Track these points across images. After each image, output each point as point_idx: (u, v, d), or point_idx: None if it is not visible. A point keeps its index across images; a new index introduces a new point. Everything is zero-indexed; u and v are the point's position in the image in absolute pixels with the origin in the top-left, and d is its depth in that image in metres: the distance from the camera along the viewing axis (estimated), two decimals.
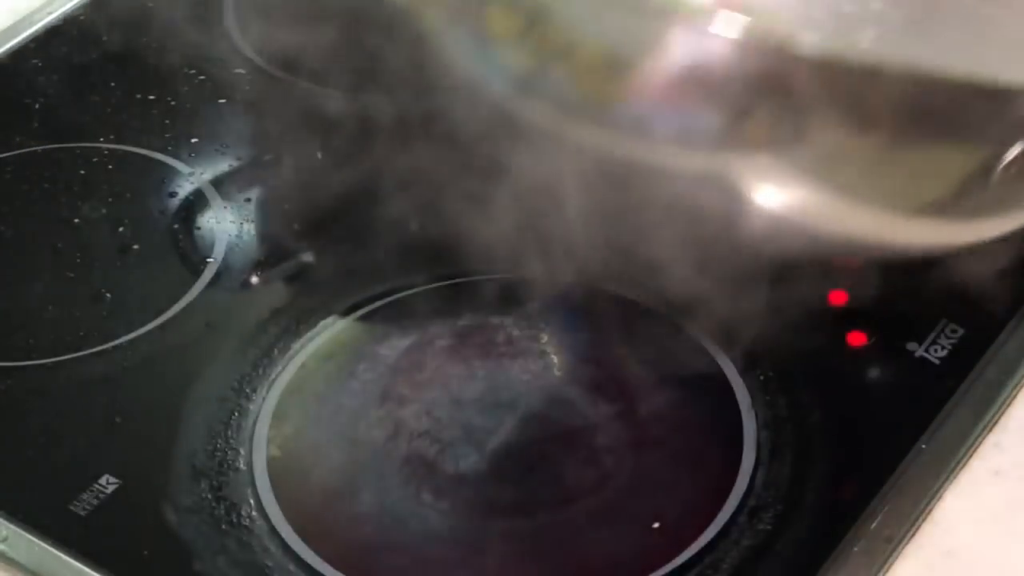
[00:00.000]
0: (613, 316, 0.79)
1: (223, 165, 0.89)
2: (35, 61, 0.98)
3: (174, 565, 0.67)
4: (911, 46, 0.66)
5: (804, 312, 0.77)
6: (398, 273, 0.81)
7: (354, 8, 0.90)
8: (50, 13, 1.01)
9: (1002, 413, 0.72)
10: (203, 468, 0.71)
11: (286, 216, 0.86)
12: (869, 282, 0.79)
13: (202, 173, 0.88)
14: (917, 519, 0.67)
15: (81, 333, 0.78)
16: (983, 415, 0.72)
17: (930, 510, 0.68)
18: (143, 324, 0.79)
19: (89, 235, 0.85)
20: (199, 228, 0.85)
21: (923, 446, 0.70)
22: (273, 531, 0.68)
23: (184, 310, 0.80)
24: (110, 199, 0.87)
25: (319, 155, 0.90)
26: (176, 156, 0.90)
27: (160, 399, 0.75)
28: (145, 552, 0.68)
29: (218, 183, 0.88)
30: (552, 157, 0.70)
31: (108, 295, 0.81)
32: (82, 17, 1.01)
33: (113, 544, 0.68)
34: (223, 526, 0.69)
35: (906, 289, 0.78)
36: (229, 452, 0.72)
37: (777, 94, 0.66)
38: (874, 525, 0.67)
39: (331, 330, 0.78)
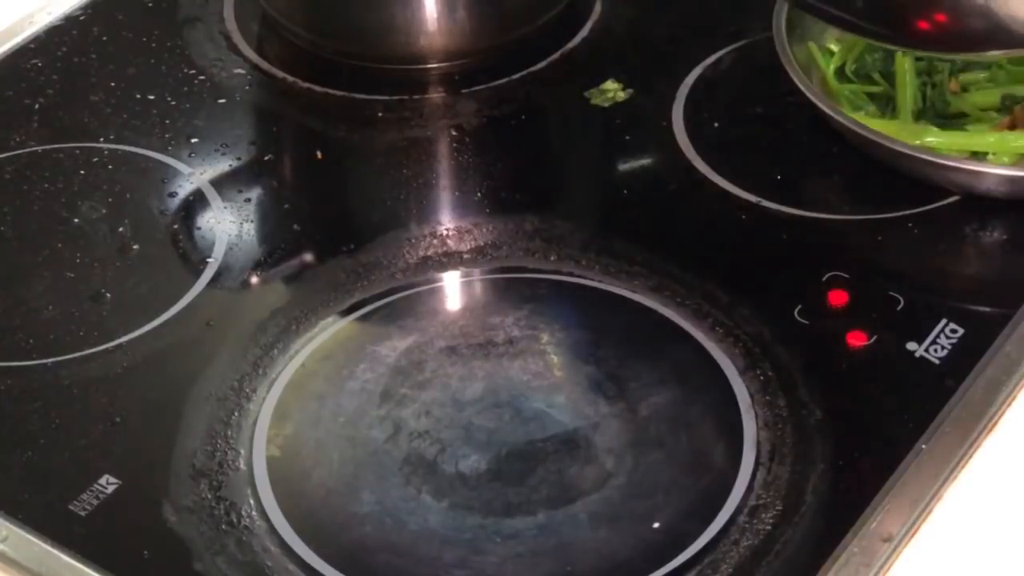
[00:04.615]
0: (613, 316, 0.79)
1: (223, 165, 0.89)
2: (35, 61, 0.98)
3: (174, 565, 0.67)
4: None
5: (804, 312, 0.77)
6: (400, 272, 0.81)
7: None
8: (50, 13, 1.01)
9: (1002, 413, 0.72)
10: (203, 468, 0.71)
11: (286, 216, 0.86)
12: (869, 282, 0.79)
13: (202, 173, 0.88)
14: (917, 519, 0.67)
15: (81, 333, 0.78)
16: (983, 415, 0.72)
17: (930, 510, 0.68)
18: (143, 324, 0.79)
19: (89, 235, 0.85)
20: (199, 228, 0.85)
21: (923, 446, 0.70)
22: (273, 531, 0.68)
23: (184, 310, 0.80)
24: (110, 199, 0.87)
25: (319, 155, 0.90)
26: (176, 156, 0.90)
27: (160, 399, 0.75)
28: (145, 552, 0.68)
29: (218, 183, 0.88)
30: None
31: (108, 295, 0.81)
32: (82, 17, 1.01)
33: (113, 544, 0.68)
34: (223, 526, 0.69)
35: (906, 289, 0.78)
36: (229, 452, 0.72)
37: None
38: (874, 525, 0.67)
39: (331, 330, 0.78)
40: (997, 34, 0.79)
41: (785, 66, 0.87)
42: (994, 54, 0.84)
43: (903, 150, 0.82)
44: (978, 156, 0.84)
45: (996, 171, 0.82)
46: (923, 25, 0.80)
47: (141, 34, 0.99)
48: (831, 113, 0.84)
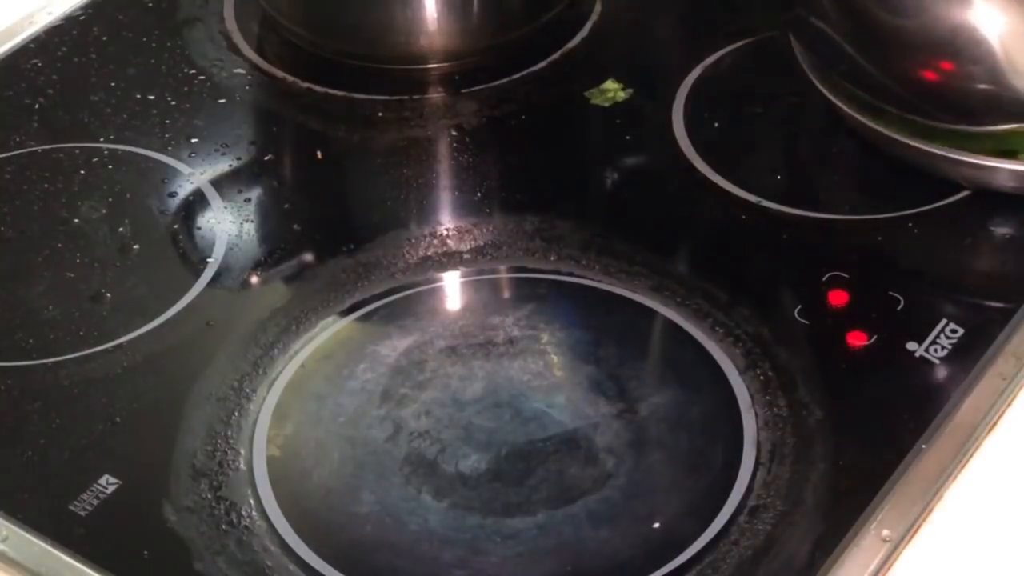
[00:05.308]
0: (613, 316, 0.79)
1: (223, 165, 0.89)
2: (35, 61, 0.98)
3: (174, 565, 0.67)
4: None
5: (804, 312, 0.77)
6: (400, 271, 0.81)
7: None
8: (50, 13, 1.01)
9: (1002, 413, 0.72)
10: (203, 468, 0.71)
11: (286, 216, 0.86)
12: (869, 282, 0.79)
13: (202, 173, 0.88)
14: (917, 519, 0.67)
15: (81, 333, 0.78)
16: (983, 415, 0.72)
17: (930, 510, 0.68)
18: (143, 324, 0.79)
19: (89, 235, 0.85)
20: (199, 228, 0.85)
21: (923, 446, 0.70)
22: (273, 531, 0.68)
23: (184, 310, 0.80)
24: (110, 199, 0.87)
25: (319, 155, 0.91)
26: (176, 156, 0.90)
27: (160, 399, 0.75)
28: (145, 552, 0.68)
29: (218, 183, 0.88)
30: None
31: (108, 295, 0.81)
32: (82, 17, 1.01)
33: (113, 544, 0.68)
34: (223, 526, 0.69)
35: (906, 289, 0.78)
36: (229, 452, 0.72)
37: None
38: (874, 525, 0.67)
39: (331, 330, 0.78)
40: (1005, 107, 0.79)
41: (803, 64, 0.87)
42: (1006, 127, 0.83)
43: (920, 145, 0.82)
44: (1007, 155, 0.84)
45: (1004, 165, 0.81)
46: (929, 79, 0.80)
47: (141, 34, 0.99)
48: (846, 108, 0.84)
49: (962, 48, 0.77)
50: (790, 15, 0.88)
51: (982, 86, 0.78)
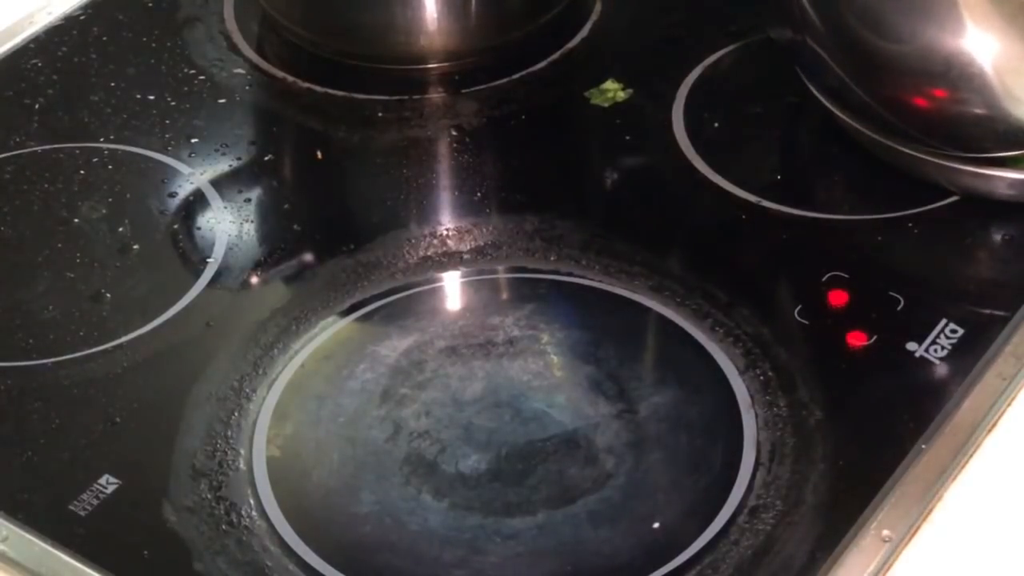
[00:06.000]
0: (613, 316, 0.79)
1: (223, 165, 0.89)
2: (35, 61, 0.98)
3: (174, 565, 0.67)
4: None
5: (804, 312, 0.77)
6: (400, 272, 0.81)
7: None
8: (50, 13, 1.01)
9: (1002, 413, 0.72)
10: (203, 468, 0.71)
11: (286, 216, 0.86)
12: (869, 282, 0.79)
13: (202, 173, 0.88)
14: (917, 519, 0.67)
15: (81, 333, 0.78)
16: (983, 415, 0.72)
17: (930, 510, 0.68)
18: (143, 324, 0.79)
19: (89, 235, 0.85)
20: (199, 228, 0.85)
21: (923, 446, 0.70)
22: (273, 531, 0.68)
23: (184, 310, 0.80)
24: (110, 199, 0.87)
25: (319, 155, 0.91)
26: (176, 156, 0.90)
27: (160, 399, 0.75)
28: (145, 552, 0.68)
29: (218, 183, 0.88)
30: None
31: (108, 295, 0.81)
32: (82, 17, 1.01)
33: (113, 544, 0.68)
34: (223, 526, 0.69)
35: (906, 289, 0.78)
36: (229, 452, 0.72)
37: None
38: (874, 525, 0.67)
39: (331, 330, 0.78)
40: (1000, 134, 0.79)
41: (798, 70, 0.87)
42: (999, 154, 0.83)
43: (914, 153, 0.82)
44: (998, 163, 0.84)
45: (1000, 174, 0.81)
46: (922, 106, 0.80)
47: (141, 34, 0.99)
48: (840, 113, 0.84)
49: (957, 75, 0.76)
50: (779, 31, 0.88)
51: (977, 113, 0.78)
